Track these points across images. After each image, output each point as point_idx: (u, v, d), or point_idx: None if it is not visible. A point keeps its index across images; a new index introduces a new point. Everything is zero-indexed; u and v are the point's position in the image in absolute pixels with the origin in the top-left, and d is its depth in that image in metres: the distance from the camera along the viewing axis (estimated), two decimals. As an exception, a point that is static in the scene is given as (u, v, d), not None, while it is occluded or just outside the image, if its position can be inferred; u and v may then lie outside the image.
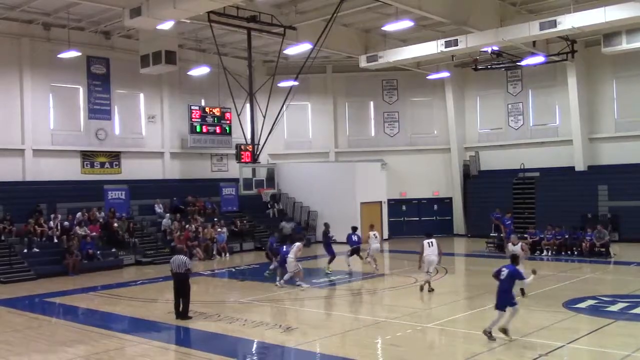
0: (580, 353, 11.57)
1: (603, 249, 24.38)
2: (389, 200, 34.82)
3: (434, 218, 35.93)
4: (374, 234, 22.93)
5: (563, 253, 25.16)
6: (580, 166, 31.75)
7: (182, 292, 14.82)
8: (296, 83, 28.41)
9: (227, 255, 28.29)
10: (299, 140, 37.02)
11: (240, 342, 12.85)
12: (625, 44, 25.40)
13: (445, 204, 36.08)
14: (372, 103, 37.21)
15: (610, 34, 25.48)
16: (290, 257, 19.00)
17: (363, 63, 29.67)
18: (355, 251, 22.37)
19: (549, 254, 25.41)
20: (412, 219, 35.77)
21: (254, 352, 12.39)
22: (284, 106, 28.04)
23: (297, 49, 27.51)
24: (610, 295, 16.32)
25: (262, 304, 16.92)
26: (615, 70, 31.17)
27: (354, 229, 23.00)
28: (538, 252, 25.62)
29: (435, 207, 36.11)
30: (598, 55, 28.75)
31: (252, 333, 13.25)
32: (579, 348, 11.71)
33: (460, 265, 26.61)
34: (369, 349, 12.18)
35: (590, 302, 15.53)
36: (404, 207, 35.87)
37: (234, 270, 24.56)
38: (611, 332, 12.83)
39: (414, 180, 35.54)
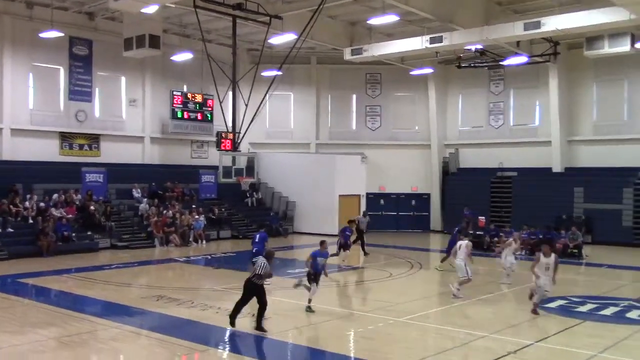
0: (548, 352, 11.75)
1: (576, 250, 24.75)
2: (367, 194, 34.96)
3: (412, 213, 36.20)
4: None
5: (537, 253, 25.38)
6: (557, 167, 32.13)
7: (258, 301, 12.65)
8: (280, 73, 28.31)
9: (204, 242, 28.24)
10: (280, 130, 36.97)
11: (212, 330, 12.87)
12: (607, 48, 25.67)
13: (423, 199, 36.31)
14: (354, 96, 37.26)
15: (592, 37, 25.73)
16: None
17: (348, 56, 29.67)
18: (344, 246, 22.63)
19: (523, 253, 25.68)
20: (390, 214, 35.97)
21: (226, 340, 12.41)
22: (267, 95, 27.96)
23: (282, 39, 27.42)
24: (580, 296, 16.59)
25: (237, 292, 16.87)
26: (596, 74, 31.54)
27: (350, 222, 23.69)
28: (513, 250, 25.88)
29: (413, 202, 36.33)
30: (580, 58, 29.05)
31: (225, 321, 13.26)
32: (547, 347, 11.90)
33: (436, 261, 26.78)
34: (340, 340, 12.28)
35: (561, 302, 15.76)
36: (382, 201, 36.04)
37: (209, 257, 24.53)
38: (579, 332, 13.06)
39: (393, 175, 35.72)
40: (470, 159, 35.58)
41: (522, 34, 24.71)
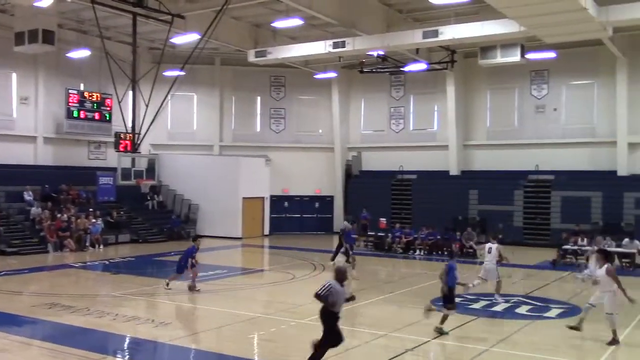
0: (444, 348, 12.19)
1: (471, 250, 25.81)
2: (271, 196, 34.97)
3: (315, 215, 36.50)
4: None
5: (434, 253, 26.36)
6: (454, 171, 33.42)
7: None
8: (182, 73, 27.80)
9: (101, 247, 27.22)
10: (183, 131, 36.28)
11: (109, 338, 12.40)
12: (500, 58, 26.90)
13: (326, 202, 36.71)
14: (259, 98, 37.15)
15: (486, 47, 26.91)
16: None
17: (252, 58, 29.57)
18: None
19: (422, 253, 26.56)
20: (294, 216, 36.13)
21: (124, 347, 12.02)
22: (169, 96, 27.37)
23: (185, 39, 26.92)
24: (474, 294, 17.27)
25: (135, 298, 16.43)
26: (490, 82, 33.08)
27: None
28: (412, 251, 26.74)
29: (317, 204, 36.66)
30: (475, 67, 30.30)
31: (123, 328, 12.85)
32: (444, 343, 12.33)
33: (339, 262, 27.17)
34: (242, 344, 12.18)
35: (456, 300, 16.32)
36: (286, 204, 36.14)
37: (107, 262, 23.67)
38: (473, 328, 13.63)
39: (297, 177, 35.90)
40: (372, 162, 36.37)
41: (421, 41, 25.57)
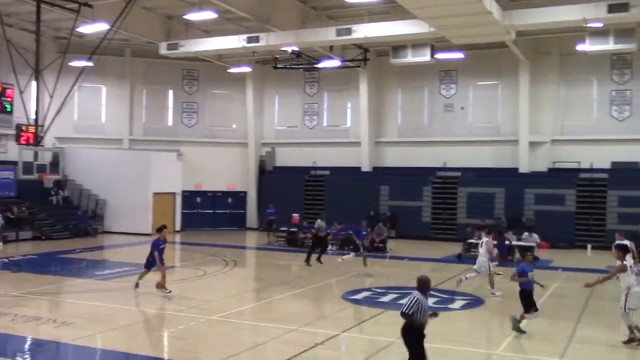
0: (353, 340, 12.42)
1: (381, 245, 26.35)
2: (183, 192, 34.39)
3: (228, 211, 36.18)
4: None
5: (346, 248, 26.70)
6: (366, 167, 34.02)
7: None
8: (90, 64, 26.92)
9: (0, 244, 25.88)
10: (90, 124, 35.02)
11: (8, 339, 11.81)
12: (411, 57, 27.58)
13: (239, 197, 36.48)
14: (171, 92, 36.42)
15: (398, 46, 27.54)
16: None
17: (163, 50, 28.98)
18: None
19: (334, 248, 26.83)
20: (206, 212, 35.65)
21: (24, 349, 11.49)
22: (75, 87, 26.37)
23: (93, 28, 25.99)
24: (383, 287, 17.70)
25: (36, 297, 15.75)
26: (401, 81, 33.87)
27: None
28: (324, 246, 26.97)
29: (230, 200, 36.37)
30: (387, 65, 30.89)
31: (23, 328, 12.29)
32: (353, 336, 12.56)
33: (251, 258, 27.15)
34: (151, 342, 11.93)
35: (366, 293, 16.72)
36: (198, 199, 35.62)
37: (7, 260, 22.53)
38: (382, 321, 13.93)
39: (210, 172, 35.44)
40: (286, 157, 36.43)
41: (335, 39, 25.89)
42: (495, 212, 29.80)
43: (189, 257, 25.14)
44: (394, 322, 13.67)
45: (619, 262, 11.88)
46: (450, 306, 15.48)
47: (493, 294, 16.64)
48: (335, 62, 31.16)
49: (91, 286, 16.76)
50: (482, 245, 17.18)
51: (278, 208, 30.73)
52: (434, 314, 9.22)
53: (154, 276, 16.16)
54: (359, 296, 16.30)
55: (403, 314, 8.75)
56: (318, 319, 13.63)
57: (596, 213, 28.59)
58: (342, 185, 33.04)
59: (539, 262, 23.24)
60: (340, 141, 35.04)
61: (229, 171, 36.13)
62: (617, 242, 15.95)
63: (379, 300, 16.03)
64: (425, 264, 22.92)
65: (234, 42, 27.27)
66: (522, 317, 12.54)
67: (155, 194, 31.99)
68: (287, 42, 27.17)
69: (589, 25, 23.15)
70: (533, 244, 24.31)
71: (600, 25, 23.33)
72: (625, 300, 11.60)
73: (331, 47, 29.44)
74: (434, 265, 23.14)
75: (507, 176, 30.77)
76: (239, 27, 28.50)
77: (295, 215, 30.31)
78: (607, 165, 29.44)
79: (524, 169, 30.74)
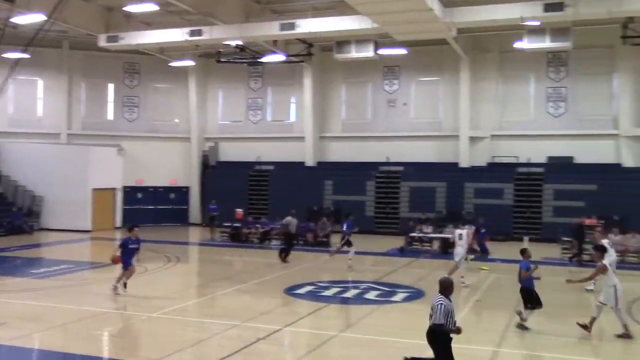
0: (295, 335, 12.46)
1: (325, 239, 26.49)
2: (124, 187, 33.71)
3: (170, 207, 35.64)
4: None
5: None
6: (310, 162, 34.09)
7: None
8: (26, 55, 25.99)
9: None
10: (26, 118, 33.91)
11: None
12: (354, 53, 27.80)
13: (182, 192, 36.01)
14: (111, 85, 35.61)
15: (342, 41, 27.69)
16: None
17: (103, 42, 28.30)
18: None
19: (278, 243, 26.80)
20: (148, 207, 34.99)
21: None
22: (8, 80, 25.45)
23: (28, 19, 25.06)
24: (326, 281, 17.83)
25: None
26: (346, 76, 34.06)
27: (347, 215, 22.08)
28: (267, 241, 26.95)
29: (172, 195, 35.84)
30: (331, 61, 31.00)
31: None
32: (295, 330, 12.60)
33: (194, 254, 26.88)
34: (89, 341, 11.66)
35: (309, 287, 16.80)
36: (139, 195, 34.95)
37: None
38: (324, 314, 14.04)
39: (152, 167, 34.81)
40: (230, 152, 36.14)
41: (278, 33, 25.82)
42: (437, 206, 30.39)
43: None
44: (336, 315, 13.87)
45: (599, 263, 12.30)
46: (392, 299, 15.71)
47: (463, 283, 17.12)
48: (279, 57, 31.07)
49: (27, 285, 16.27)
50: (461, 237, 17.77)
51: (221, 203, 30.44)
52: (458, 331, 8.61)
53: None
54: (301, 290, 16.37)
55: (436, 326, 8.41)
56: (261, 314, 13.60)
57: (533, 206, 29.48)
58: (286, 180, 33.03)
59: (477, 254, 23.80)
60: (284, 136, 34.99)
61: (172, 166, 35.60)
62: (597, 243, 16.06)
63: (322, 294, 16.12)
64: (368, 257, 23.16)
65: (177, 35, 26.85)
66: (519, 313, 12.56)
67: (94, 189, 31.26)
68: (230, 36, 26.94)
69: (526, 23, 23.86)
70: (473, 237, 24.87)
71: (537, 23, 24.08)
72: (616, 298, 11.88)
73: (275, 41, 29.35)
74: (377, 259, 23.42)
75: (448, 170, 31.37)
76: (181, 20, 28.08)
77: (239, 211, 30.12)
78: (543, 160, 30.38)
79: (464, 163, 31.41)
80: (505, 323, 13.02)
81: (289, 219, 22.46)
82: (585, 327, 11.99)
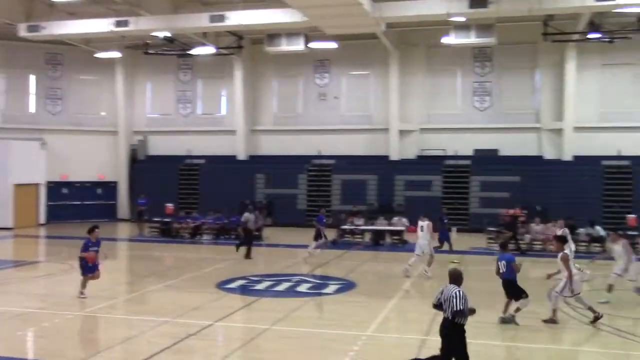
0: (227, 329, 12.39)
1: (258, 233, 26.36)
2: (48, 183, 32.54)
3: (98, 202, 34.64)
4: None
5: (222, 237, 26.55)
6: (242, 155, 33.86)
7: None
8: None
9: None
10: (-60, 111, 32.25)
11: None
12: (285, 46, 27.81)
13: (110, 187, 35.07)
14: (33, 77, 34.25)
15: (272, 34, 27.62)
16: None
17: (23, 32, 27.26)
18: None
19: (209, 237, 26.58)
20: (74, 203, 33.87)
21: None
22: None
23: (-59, 6, 23.89)
24: (258, 275, 17.79)
25: None
26: (277, 69, 33.98)
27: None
28: (199, 236, 26.64)
29: (100, 190, 34.85)
30: (262, 54, 30.88)
31: None
32: (227, 325, 12.52)
33: (122, 250, 26.27)
34: (11, 342, 11.20)
35: (241, 282, 16.72)
36: (65, 190, 33.81)
37: None
38: (256, 308, 14.00)
39: (77, 162, 33.70)
40: (159, 146, 35.44)
41: (208, 25, 25.54)
42: (368, 199, 30.79)
43: (54, 252, 23.87)
44: (268, 308, 13.85)
45: (560, 253, 12.53)
46: (323, 291, 15.83)
47: (426, 272, 17.47)
48: (209, 49, 30.65)
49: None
50: (422, 229, 17.96)
51: (150, 198, 29.84)
52: (474, 311, 8.67)
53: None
54: (233, 285, 16.28)
55: (458, 312, 8.36)
56: (192, 310, 13.44)
57: (460, 198, 30.30)
58: (218, 173, 32.70)
59: (408, 245, 24.31)
60: (215, 129, 34.59)
61: (99, 160, 34.58)
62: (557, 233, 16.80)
63: (254, 288, 16.08)
64: (300, 250, 23.24)
65: (102, 25, 26.14)
66: (506, 307, 12.40)
67: (16, 185, 30.08)
68: (158, 28, 26.42)
69: (452, 19, 24.47)
70: (402, 228, 25.39)
71: (463, 19, 24.72)
72: (565, 286, 12.21)
73: (205, 33, 28.96)
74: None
75: (378, 163, 31.82)
76: (107, 10, 27.26)
77: (169, 205, 29.66)
78: (470, 152, 31.24)
79: (394, 156, 31.92)
80: (433, 312, 13.31)
81: (247, 215, 22.15)
82: (552, 321, 12.32)
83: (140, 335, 11.58)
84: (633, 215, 24.82)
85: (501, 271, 12.49)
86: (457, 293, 8.47)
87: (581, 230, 23.02)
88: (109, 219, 33.85)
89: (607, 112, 29.73)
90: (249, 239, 21.61)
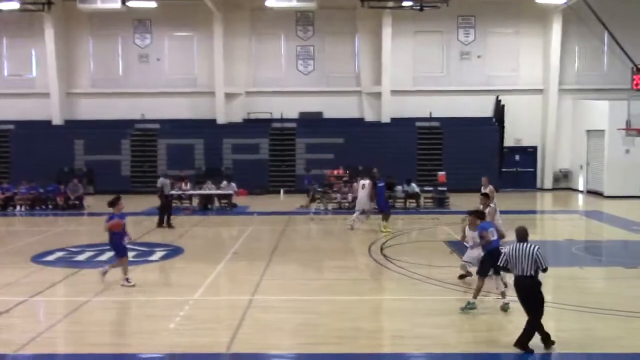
0: (44, 304, 11.67)
1: (77, 202, 25.07)
2: None
3: None
4: None
5: (38, 208, 24.83)
6: (57, 120, 31.62)
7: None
8: None
9: None
10: None
11: None
12: (100, 4, 26.25)
13: None
14: None
15: (86, -9, 25.90)
16: None
17: None
18: None
19: (23, 209, 24.71)
20: None
21: None
22: None
23: None
24: (79, 246, 16.94)
25: None
26: (92, 28, 31.92)
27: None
28: (11, 208, 24.68)
29: None
30: (76, 12, 28.83)
31: None
32: (44, 300, 11.81)
33: None
34: None
35: (59, 254, 15.84)
36: None
37: None
38: (77, 280, 13.36)
39: None
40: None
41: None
42: (196, 163, 30.37)
43: None
44: (90, 280, 13.24)
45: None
46: (149, 258, 15.51)
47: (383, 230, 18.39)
48: (13, 4, 27.98)
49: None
50: (363, 187, 19.04)
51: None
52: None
53: None
54: (51, 257, 15.38)
55: (546, 270, 8.57)
56: (5, 286, 12.48)
57: (287, 160, 30.92)
58: (31, 140, 30.22)
59: (236, 208, 24.44)
60: (25, 92, 31.80)
61: None
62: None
63: (74, 259, 15.33)
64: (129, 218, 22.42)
65: None
66: (477, 292, 10.60)
67: None
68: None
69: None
70: (231, 192, 25.45)
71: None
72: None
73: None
74: (135, 219, 22.65)
75: (205, 127, 31.34)
76: None
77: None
78: (295, 115, 31.86)
79: (221, 120, 31.64)
80: (260, 273, 13.59)
81: (162, 179, 20.94)
82: (464, 276, 12.49)
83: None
84: (442, 172, 26.88)
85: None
86: (537, 250, 8.59)
87: (398, 188, 24.61)
88: None
89: (419, 76, 31.77)
90: (167, 205, 20.49)
